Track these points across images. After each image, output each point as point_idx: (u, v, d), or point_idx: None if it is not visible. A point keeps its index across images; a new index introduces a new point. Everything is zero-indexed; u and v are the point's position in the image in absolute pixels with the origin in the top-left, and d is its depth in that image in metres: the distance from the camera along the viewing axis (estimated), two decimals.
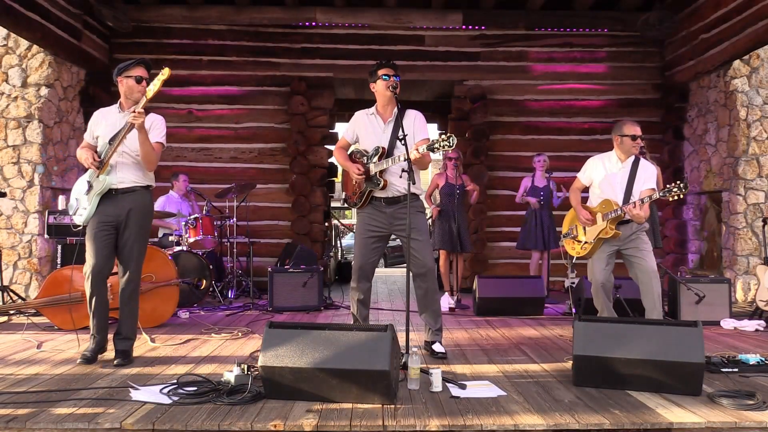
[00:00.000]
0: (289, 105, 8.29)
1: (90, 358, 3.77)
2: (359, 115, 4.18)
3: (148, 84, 3.85)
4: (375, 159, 3.98)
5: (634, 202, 4.17)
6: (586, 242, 4.44)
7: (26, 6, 6.31)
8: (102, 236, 3.78)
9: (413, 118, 4.04)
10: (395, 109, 3.99)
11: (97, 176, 3.81)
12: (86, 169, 3.94)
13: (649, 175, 4.37)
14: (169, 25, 8.29)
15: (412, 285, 3.97)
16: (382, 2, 7.95)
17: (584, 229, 4.47)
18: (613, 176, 4.38)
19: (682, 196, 4.06)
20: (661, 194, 4.11)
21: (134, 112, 3.60)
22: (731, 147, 7.37)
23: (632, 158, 4.38)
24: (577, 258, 4.75)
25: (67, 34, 7.14)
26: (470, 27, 8.39)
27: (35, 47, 7.06)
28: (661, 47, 8.50)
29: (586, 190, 4.63)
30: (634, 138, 4.31)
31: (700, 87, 7.98)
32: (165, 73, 3.61)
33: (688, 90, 8.22)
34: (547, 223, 6.83)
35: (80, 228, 3.97)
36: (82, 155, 3.87)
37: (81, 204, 3.90)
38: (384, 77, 3.96)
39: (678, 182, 4.04)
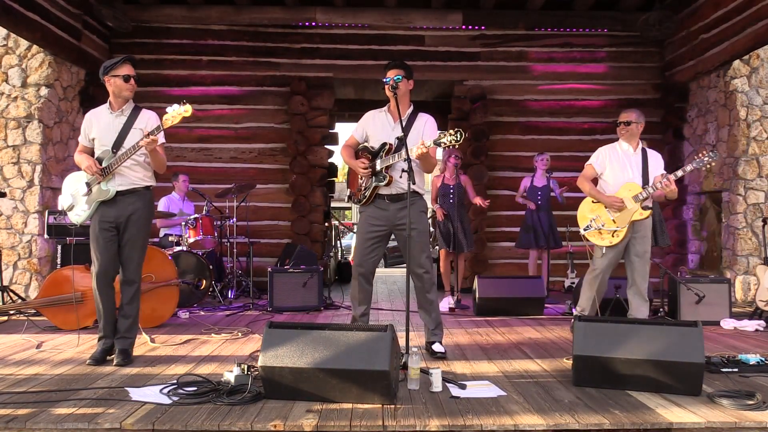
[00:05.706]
0: (289, 105, 8.29)
1: (99, 359, 3.77)
2: (370, 114, 4.18)
3: (135, 81, 3.83)
4: (382, 155, 3.99)
5: (668, 177, 4.22)
6: (617, 229, 4.35)
7: (26, 6, 6.31)
8: (104, 238, 3.78)
9: (424, 121, 4.05)
10: (408, 109, 4.02)
11: (98, 183, 3.80)
12: None
13: (658, 161, 4.52)
14: (169, 25, 8.29)
15: (412, 285, 3.97)
16: (382, 2, 7.95)
17: (610, 216, 4.40)
18: (627, 161, 4.46)
19: (714, 164, 4.25)
20: (695, 165, 4.20)
21: (148, 136, 3.60)
22: (731, 147, 7.37)
23: (640, 146, 4.52)
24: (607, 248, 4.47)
25: (67, 34, 7.14)
26: (470, 27, 8.39)
27: (35, 47, 7.06)
28: (661, 47, 8.50)
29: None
30: (617, 124, 4.53)
31: (700, 87, 7.98)
32: (188, 110, 3.60)
33: (688, 90, 8.22)
34: (546, 223, 6.82)
35: (76, 226, 3.98)
36: (83, 161, 3.85)
37: (78, 204, 3.89)
38: (385, 80, 3.97)
39: (706, 151, 4.21)
